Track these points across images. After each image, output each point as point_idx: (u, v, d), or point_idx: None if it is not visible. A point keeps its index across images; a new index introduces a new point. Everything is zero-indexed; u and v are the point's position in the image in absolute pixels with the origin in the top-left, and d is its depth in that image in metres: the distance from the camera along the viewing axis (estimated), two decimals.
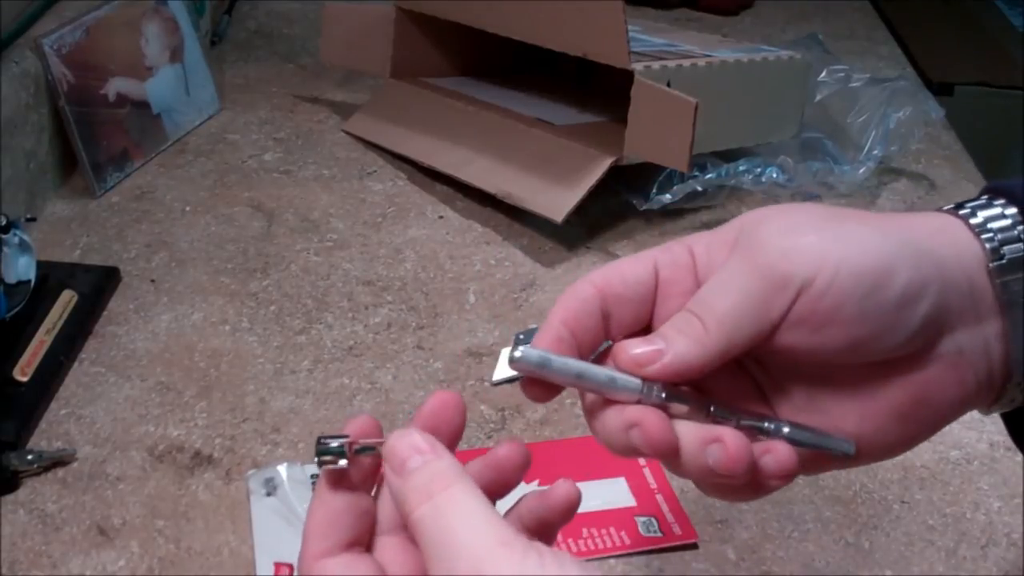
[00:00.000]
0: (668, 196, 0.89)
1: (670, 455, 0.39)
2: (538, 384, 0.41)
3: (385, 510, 0.39)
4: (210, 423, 0.68)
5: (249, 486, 0.62)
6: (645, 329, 0.42)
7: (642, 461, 0.65)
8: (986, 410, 0.42)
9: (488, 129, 0.95)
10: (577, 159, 0.88)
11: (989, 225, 0.40)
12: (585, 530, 0.60)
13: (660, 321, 0.42)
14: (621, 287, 0.42)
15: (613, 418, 0.40)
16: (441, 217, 0.92)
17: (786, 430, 0.40)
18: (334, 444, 0.38)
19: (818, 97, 1.01)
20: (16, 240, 0.72)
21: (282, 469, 0.62)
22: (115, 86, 0.94)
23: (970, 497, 0.65)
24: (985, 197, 0.42)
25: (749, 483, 0.40)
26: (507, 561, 0.32)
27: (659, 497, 0.63)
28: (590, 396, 0.41)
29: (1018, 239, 0.40)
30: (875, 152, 0.96)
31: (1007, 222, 0.40)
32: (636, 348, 0.39)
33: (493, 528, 0.34)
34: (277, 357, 0.74)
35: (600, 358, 0.42)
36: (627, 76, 0.82)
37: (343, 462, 0.37)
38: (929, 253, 0.39)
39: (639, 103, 0.82)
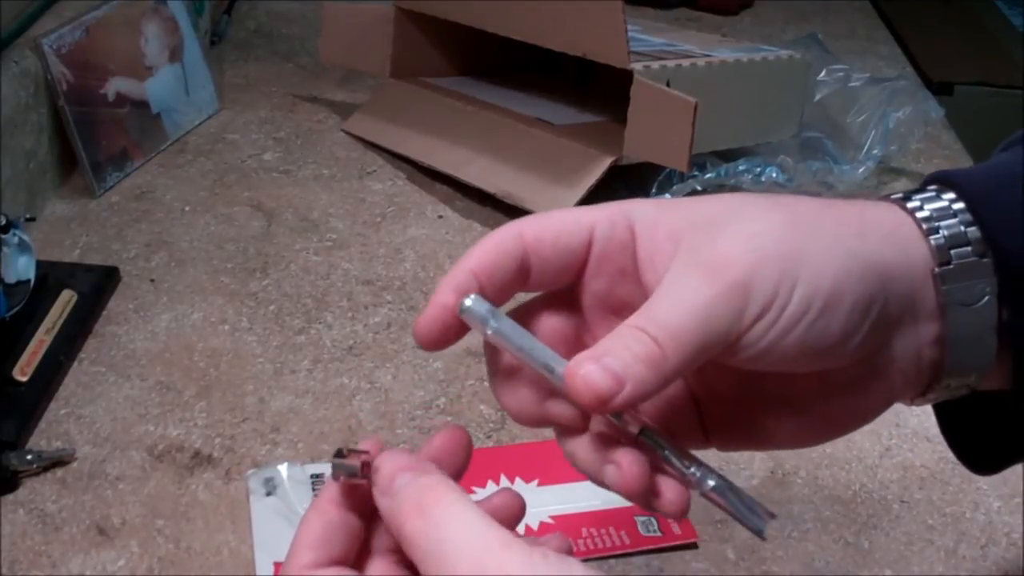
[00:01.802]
0: (668, 196, 0.88)
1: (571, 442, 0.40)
2: (454, 330, 0.39)
3: (376, 532, 0.38)
4: (210, 423, 0.68)
5: (249, 486, 0.62)
6: (566, 300, 0.41)
7: None
8: (908, 403, 0.42)
9: (488, 129, 0.95)
10: (577, 159, 0.88)
11: (937, 224, 0.38)
12: (585, 530, 0.60)
13: (587, 296, 0.40)
14: (551, 250, 0.39)
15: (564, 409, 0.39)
16: (441, 217, 0.92)
17: (710, 483, 0.38)
18: (350, 461, 0.37)
19: (818, 97, 1.01)
20: (16, 240, 0.72)
21: (282, 469, 0.62)
22: (115, 86, 0.94)
23: (970, 497, 0.65)
24: (933, 189, 0.40)
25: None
26: (512, 561, 0.32)
27: None
28: (529, 399, 0.40)
29: (967, 241, 0.38)
30: (875, 152, 0.96)
31: (954, 219, 0.38)
32: (593, 376, 0.35)
33: (493, 532, 0.33)
34: (277, 357, 0.74)
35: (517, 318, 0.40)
36: (627, 76, 0.82)
37: (359, 479, 0.37)
38: (877, 264, 0.37)
39: (639, 103, 0.82)
